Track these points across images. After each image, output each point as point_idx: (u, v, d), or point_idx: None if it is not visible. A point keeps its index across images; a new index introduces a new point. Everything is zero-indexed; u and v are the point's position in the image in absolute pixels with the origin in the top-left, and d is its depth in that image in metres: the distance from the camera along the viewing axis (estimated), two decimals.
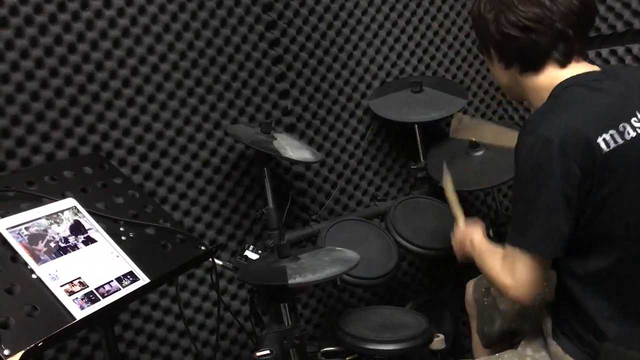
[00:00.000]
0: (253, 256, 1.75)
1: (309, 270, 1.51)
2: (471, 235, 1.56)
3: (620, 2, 2.23)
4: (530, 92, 1.39)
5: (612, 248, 1.31)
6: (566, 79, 1.31)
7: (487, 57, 1.45)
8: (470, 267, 1.96)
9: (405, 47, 2.40)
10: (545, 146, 1.22)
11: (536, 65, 1.34)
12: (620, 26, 2.24)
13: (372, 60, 2.33)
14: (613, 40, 2.29)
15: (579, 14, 1.30)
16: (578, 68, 1.34)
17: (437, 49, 2.47)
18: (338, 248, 1.69)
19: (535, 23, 1.29)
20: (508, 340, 1.76)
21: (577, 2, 1.29)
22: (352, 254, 1.62)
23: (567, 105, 1.28)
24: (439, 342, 2.03)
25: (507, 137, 1.70)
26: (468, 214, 2.60)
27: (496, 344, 1.77)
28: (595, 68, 1.35)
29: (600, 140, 1.24)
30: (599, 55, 2.31)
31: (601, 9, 2.28)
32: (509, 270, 1.34)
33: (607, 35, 2.29)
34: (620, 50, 2.25)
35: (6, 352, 1.06)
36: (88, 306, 1.21)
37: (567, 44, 1.32)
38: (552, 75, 1.33)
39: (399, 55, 2.39)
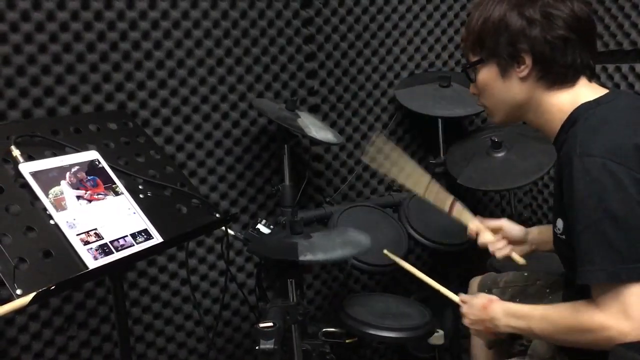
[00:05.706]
0: (265, 230, 1.75)
1: (320, 249, 1.52)
2: (490, 304, 1.37)
3: (629, 21, 2.25)
4: (548, 111, 1.30)
5: None
6: (587, 102, 1.25)
7: (502, 70, 1.30)
8: (477, 267, 1.97)
9: (438, 40, 2.38)
10: (604, 164, 1.12)
11: (575, 77, 1.27)
12: (626, 44, 2.26)
13: (403, 50, 2.32)
14: (619, 57, 2.29)
15: (594, 27, 1.28)
16: (597, 87, 1.30)
17: None
18: (350, 231, 1.69)
19: (585, 24, 1.25)
20: (509, 342, 1.76)
21: (589, 14, 1.26)
22: (364, 238, 1.62)
23: (604, 123, 1.21)
24: (438, 337, 2.03)
25: (417, 180, 1.62)
26: (481, 216, 2.61)
27: (497, 345, 1.76)
28: (604, 90, 1.31)
29: None
30: (604, 69, 2.32)
31: (612, 25, 2.29)
32: (620, 312, 1.11)
33: (613, 51, 2.30)
34: (625, 67, 2.26)
35: (19, 291, 1.08)
36: (101, 257, 1.23)
37: (594, 56, 1.28)
38: (581, 92, 1.27)
39: (431, 48, 2.37)
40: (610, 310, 1.13)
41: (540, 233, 1.62)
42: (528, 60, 1.26)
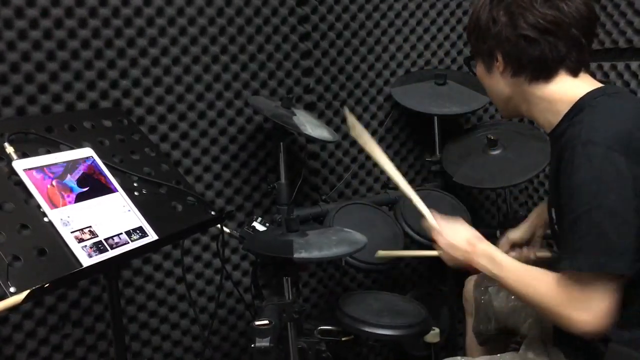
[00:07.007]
0: (261, 228, 1.75)
1: (316, 246, 1.52)
2: (475, 240, 1.38)
3: (625, 19, 2.25)
4: (538, 103, 1.32)
5: None
6: (594, 90, 1.27)
7: (486, 66, 1.37)
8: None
9: (434, 38, 2.38)
10: (607, 155, 1.13)
11: (549, 73, 1.29)
12: (622, 42, 2.26)
13: (399, 48, 2.31)
14: (614, 54, 2.30)
15: (589, 21, 1.28)
16: (588, 79, 1.31)
17: (466, 44, 2.45)
18: (347, 229, 1.69)
19: (554, 26, 1.24)
20: (504, 339, 1.76)
21: (586, 8, 1.26)
22: (359, 236, 1.62)
23: (611, 112, 1.22)
24: (434, 335, 2.03)
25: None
26: (477, 214, 2.63)
27: (492, 342, 1.77)
28: (596, 82, 1.32)
29: None
30: (600, 67, 2.32)
31: (608, 24, 2.29)
32: (581, 301, 1.15)
33: (609, 49, 2.30)
34: (620, 65, 2.26)
35: (12, 289, 1.07)
36: (96, 255, 1.22)
37: (579, 52, 1.28)
38: (565, 86, 1.28)
39: (427, 46, 2.37)
40: (571, 295, 1.16)
41: (539, 216, 1.66)
42: (499, 57, 1.31)
